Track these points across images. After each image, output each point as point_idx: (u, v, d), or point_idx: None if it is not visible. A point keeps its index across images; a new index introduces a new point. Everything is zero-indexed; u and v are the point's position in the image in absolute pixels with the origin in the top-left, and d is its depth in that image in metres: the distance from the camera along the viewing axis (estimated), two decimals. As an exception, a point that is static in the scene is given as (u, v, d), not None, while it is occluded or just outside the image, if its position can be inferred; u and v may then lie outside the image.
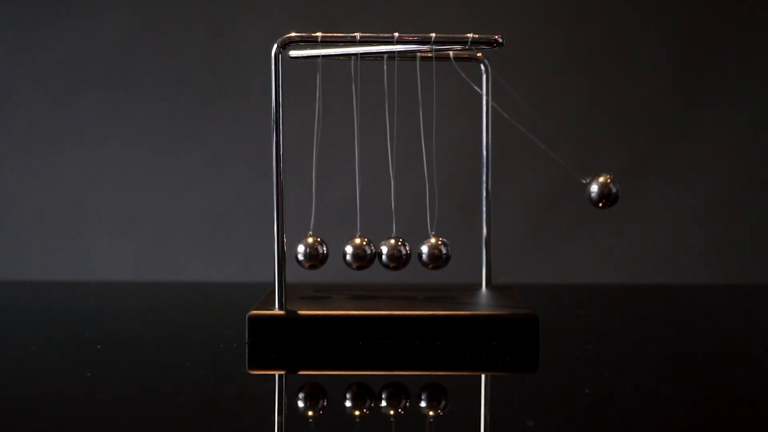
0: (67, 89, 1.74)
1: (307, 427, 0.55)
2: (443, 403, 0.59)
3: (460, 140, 1.46)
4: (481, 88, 0.77)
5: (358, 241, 0.74)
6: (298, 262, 0.74)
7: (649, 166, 1.74)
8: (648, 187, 1.74)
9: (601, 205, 0.72)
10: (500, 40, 0.71)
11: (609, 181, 0.72)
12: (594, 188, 0.72)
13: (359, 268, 0.73)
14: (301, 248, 0.73)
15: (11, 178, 1.75)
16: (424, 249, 0.74)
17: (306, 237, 0.73)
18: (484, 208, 0.79)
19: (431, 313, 0.70)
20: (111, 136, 1.75)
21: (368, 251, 0.73)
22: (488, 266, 0.80)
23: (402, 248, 0.73)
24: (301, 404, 0.58)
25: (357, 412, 0.57)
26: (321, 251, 0.73)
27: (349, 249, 0.73)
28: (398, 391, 0.61)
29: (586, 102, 1.74)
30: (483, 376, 0.64)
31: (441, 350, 0.68)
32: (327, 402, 0.59)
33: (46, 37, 1.73)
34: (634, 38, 1.73)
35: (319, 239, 0.73)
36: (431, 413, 0.57)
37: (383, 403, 0.58)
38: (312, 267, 0.73)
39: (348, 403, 0.58)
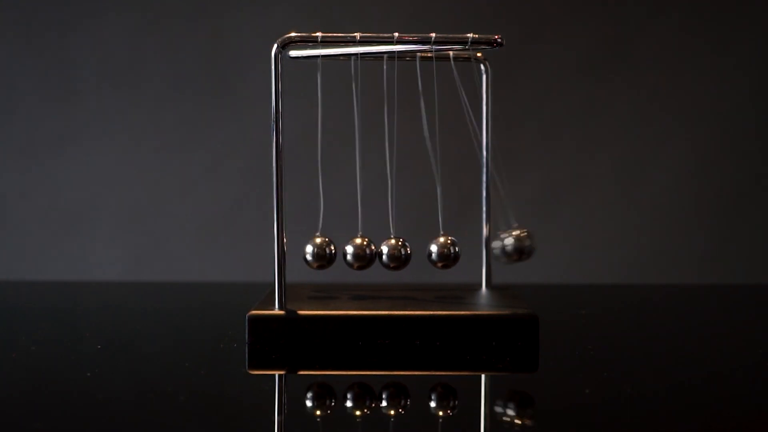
0: (67, 90, 1.74)
1: (307, 428, 0.54)
2: (443, 403, 0.59)
3: (459, 140, 1.46)
4: (480, 88, 0.77)
5: (358, 241, 0.73)
6: (307, 262, 0.73)
7: (649, 165, 1.74)
8: (648, 187, 1.74)
9: (507, 259, 0.73)
10: (500, 40, 0.71)
11: (520, 237, 0.73)
12: (497, 245, 0.73)
13: (360, 268, 0.73)
14: (309, 248, 0.73)
15: (11, 178, 1.75)
16: (434, 248, 0.74)
17: (314, 237, 0.73)
18: (484, 208, 0.79)
19: (431, 313, 0.70)
20: (111, 135, 1.75)
21: (369, 251, 0.73)
22: (488, 266, 0.80)
23: (402, 248, 0.73)
24: (301, 404, 0.58)
25: (357, 412, 0.57)
26: (329, 251, 0.73)
27: (349, 249, 0.73)
28: (398, 392, 0.61)
29: (586, 101, 1.74)
30: (483, 376, 0.64)
31: (441, 350, 0.68)
32: (327, 402, 0.59)
33: (45, 38, 1.73)
34: (633, 38, 1.73)
35: (327, 239, 0.73)
36: (431, 413, 0.57)
37: (383, 404, 0.58)
38: (320, 267, 0.73)
39: (348, 403, 0.58)
